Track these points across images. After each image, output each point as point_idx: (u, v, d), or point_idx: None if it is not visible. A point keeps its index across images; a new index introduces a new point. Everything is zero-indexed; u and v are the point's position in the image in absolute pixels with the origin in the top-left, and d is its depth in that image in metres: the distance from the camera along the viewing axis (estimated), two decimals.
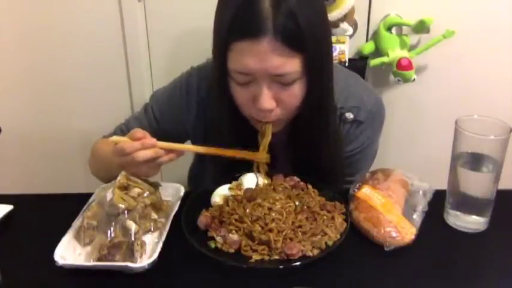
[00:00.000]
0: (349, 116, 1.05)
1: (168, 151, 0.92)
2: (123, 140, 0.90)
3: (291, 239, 0.83)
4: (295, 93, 0.92)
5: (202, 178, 1.19)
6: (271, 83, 0.89)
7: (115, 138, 0.92)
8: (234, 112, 0.98)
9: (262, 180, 0.97)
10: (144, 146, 0.88)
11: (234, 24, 0.86)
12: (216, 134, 1.03)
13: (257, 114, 0.94)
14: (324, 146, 1.02)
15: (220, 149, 0.98)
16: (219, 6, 0.92)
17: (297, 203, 0.90)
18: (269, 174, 0.99)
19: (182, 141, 1.10)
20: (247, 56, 0.86)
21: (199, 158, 1.23)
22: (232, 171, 1.00)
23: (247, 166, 1.00)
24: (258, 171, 1.00)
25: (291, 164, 1.05)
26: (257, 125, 0.98)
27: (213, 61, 0.96)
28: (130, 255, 0.82)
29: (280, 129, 0.99)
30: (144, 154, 0.88)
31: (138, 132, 0.91)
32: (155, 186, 0.96)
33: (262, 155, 1.00)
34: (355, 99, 1.06)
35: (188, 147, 0.96)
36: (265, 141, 0.98)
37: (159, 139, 0.92)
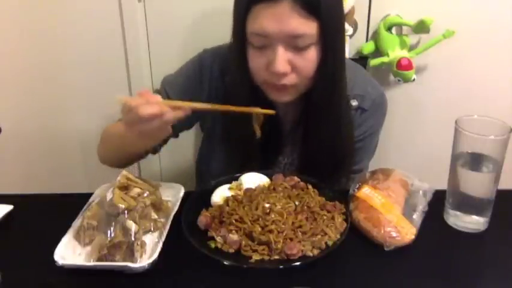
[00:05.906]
0: (354, 102, 1.09)
1: (174, 108, 0.88)
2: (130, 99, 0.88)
3: (291, 239, 0.83)
4: (310, 58, 0.95)
5: (210, 160, 1.19)
6: (287, 47, 0.93)
7: (122, 97, 0.88)
8: (252, 85, 1.01)
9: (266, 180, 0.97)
10: (148, 101, 0.85)
11: None
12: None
13: (271, 78, 0.96)
14: (335, 127, 1.05)
15: (226, 106, 0.96)
16: None
17: (297, 203, 0.90)
18: (269, 174, 0.99)
19: (191, 124, 1.17)
20: (266, 18, 0.90)
21: (207, 140, 1.23)
22: (239, 153, 1.05)
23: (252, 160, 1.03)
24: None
25: (298, 155, 1.09)
26: (271, 93, 1.00)
27: (232, 27, 0.99)
28: (130, 255, 0.82)
29: (292, 99, 1.01)
30: (148, 108, 0.84)
31: (144, 90, 0.88)
32: (155, 186, 0.96)
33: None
34: (360, 88, 1.11)
35: (194, 104, 0.91)
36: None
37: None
